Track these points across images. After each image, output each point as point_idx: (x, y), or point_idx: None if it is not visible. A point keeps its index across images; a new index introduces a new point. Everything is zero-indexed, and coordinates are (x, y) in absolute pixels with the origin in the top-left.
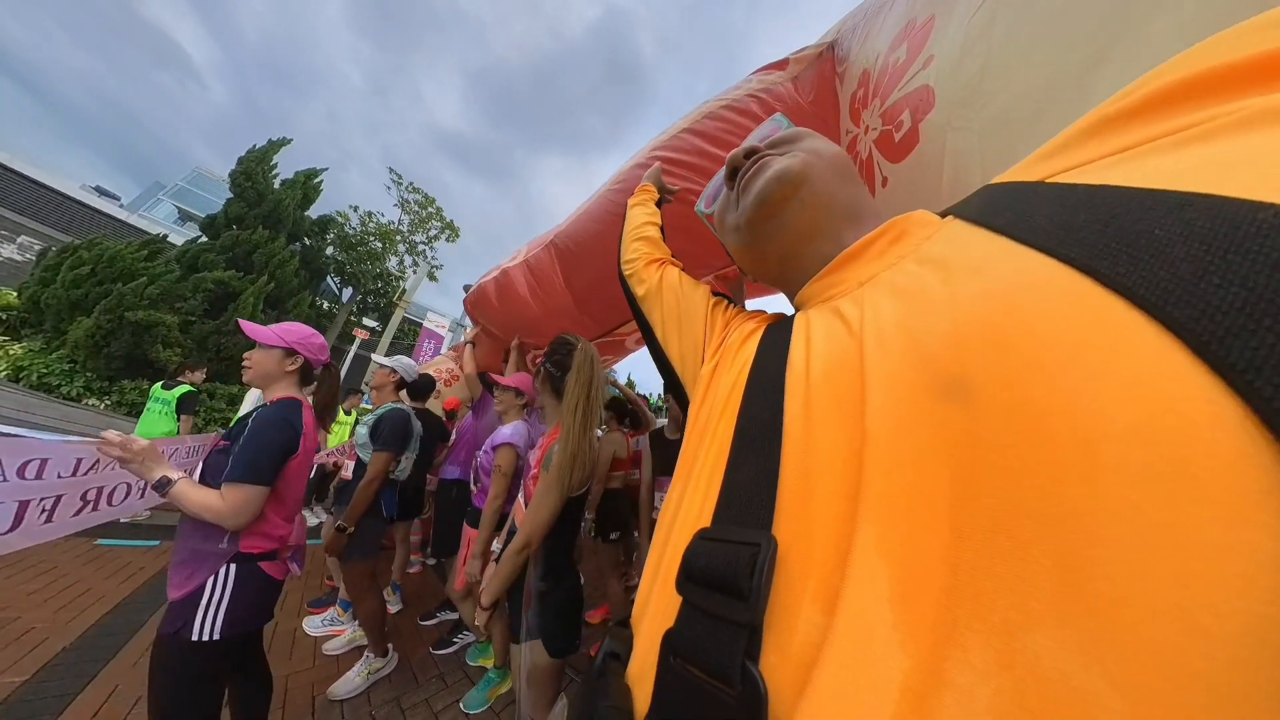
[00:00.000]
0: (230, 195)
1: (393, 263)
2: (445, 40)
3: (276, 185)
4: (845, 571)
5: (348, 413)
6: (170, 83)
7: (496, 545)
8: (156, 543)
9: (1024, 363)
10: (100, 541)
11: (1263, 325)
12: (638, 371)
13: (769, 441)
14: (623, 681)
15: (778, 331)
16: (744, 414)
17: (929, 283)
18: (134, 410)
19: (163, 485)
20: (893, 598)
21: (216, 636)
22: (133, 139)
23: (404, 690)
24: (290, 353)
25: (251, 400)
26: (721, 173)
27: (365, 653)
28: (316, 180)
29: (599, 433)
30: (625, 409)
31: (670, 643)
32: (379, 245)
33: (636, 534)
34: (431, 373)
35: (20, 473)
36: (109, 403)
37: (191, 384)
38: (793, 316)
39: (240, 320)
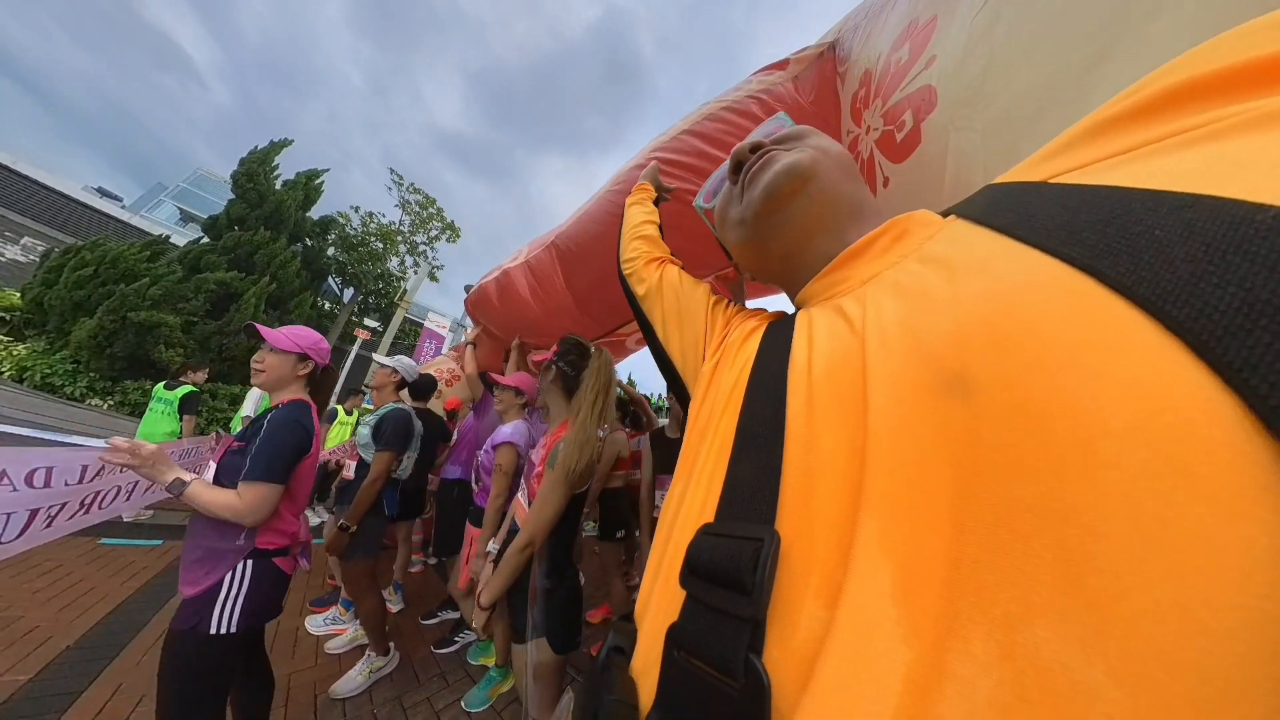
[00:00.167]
0: (232, 196)
1: (394, 263)
2: (445, 40)
3: (278, 186)
4: (848, 566)
5: (349, 413)
6: (171, 84)
7: (494, 545)
8: (159, 542)
9: (1025, 361)
10: (103, 541)
11: (1259, 325)
12: (638, 371)
13: (771, 438)
14: (627, 675)
15: (779, 329)
16: (746, 411)
17: (931, 282)
18: (137, 410)
19: (177, 487)
20: (895, 592)
21: (234, 629)
22: (134, 140)
23: (406, 689)
24: (303, 357)
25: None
26: (723, 167)
27: (367, 651)
28: (318, 181)
29: (601, 432)
30: (626, 408)
31: (674, 637)
32: (380, 246)
33: (637, 533)
34: (433, 373)
35: (29, 481)
36: (112, 403)
37: (194, 384)
38: (794, 315)
39: (258, 325)
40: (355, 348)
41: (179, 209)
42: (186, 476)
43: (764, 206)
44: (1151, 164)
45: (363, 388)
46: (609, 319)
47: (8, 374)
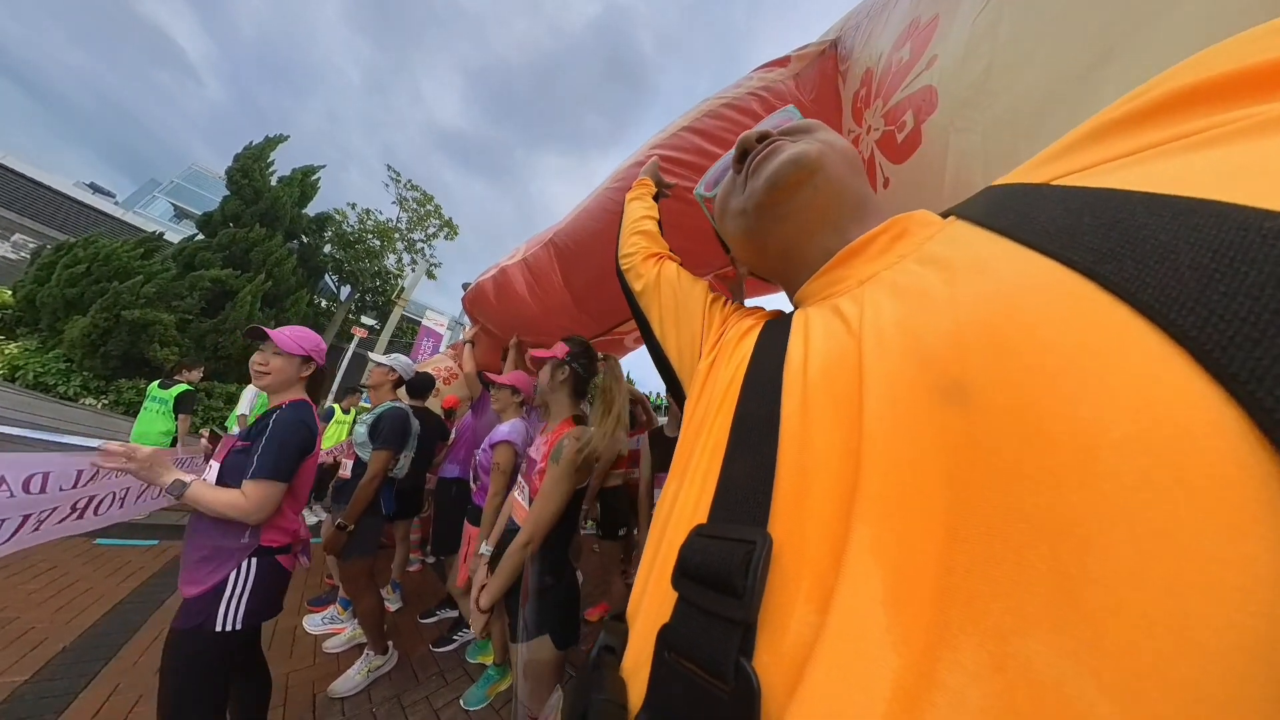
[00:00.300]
0: (227, 193)
1: (391, 261)
2: (445, 38)
3: (274, 182)
4: (839, 570)
5: (346, 411)
6: (166, 79)
7: (487, 548)
8: (155, 542)
9: (1024, 366)
10: (99, 541)
11: (1267, 335)
12: (637, 370)
13: (765, 438)
14: (617, 675)
15: (776, 328)
16: (740, 410)
17: (930, 283)
18: (131, 409)
19: (177, 488)
20: (886, 598)
21: (239, 627)
22: (127, 135)
23: (404, 688)
24: (307, 360)
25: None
26: (726, 157)
27: (365, 650)
28: (314, 177)
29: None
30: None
31: (665, 638)
32: (377, 243)
33: (636, 531)
34: (430, 371)
35: (25, 486)
36: (106, 402)
37: (189, 383)
38: (791, 314)
39: (264, 329)
40: (352, 346)
41: (173, 205)
42: (186, 477)
43: (767, 197)
44: (1155, 168)
45: (360, 387)
46: (607, 317)
47: (0, 373)
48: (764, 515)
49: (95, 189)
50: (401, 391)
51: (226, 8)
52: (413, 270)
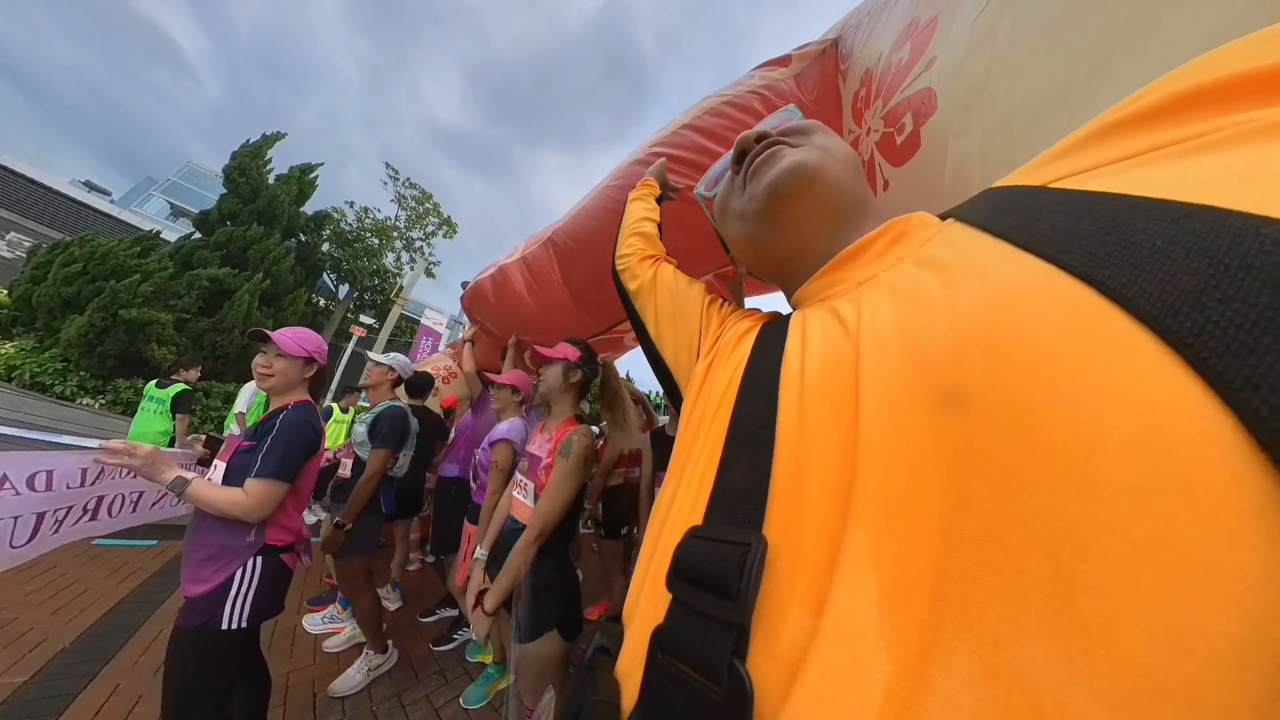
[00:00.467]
0: (224, 191)
1: (389, 259)
2: (444, 35)
3: (271, 180)
4: (834, 574)
5: (345, 410)
6: (162, 76)
7: (482, 552)
8: (154, 542)
9: (1022, 371)
10: (97, 542)
11: (1263, 343)
12: (637, 370)
13: (762, 441)
14: (611, 676)
15: (773, 330)
16: (737, 413)
17: (928, 285)
18: (129, 409)
19: (179, 485)
20: (880, 603)
21: (244, 625)
22: (123, 133)
23: (405, 686)
24: (309, 361)
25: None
26: (726, 156)
27: (365, 649)
28: (312, 175)
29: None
30: None
31: (659, 639)
32: (375, 241)
33: (636, 530)
34: (430, 370)
35: (30, 484)
36: (103, 402)
37: (186, 382)
38: (789, 316)
39: (267, 331)
40: (351, 345)
41: (169, 203)
42: (188, 475)
43: (767, 206)
44: (1155, 172)
45: (358, 387)
46: (606, 316)
47: None
48: (759, 518)
49: (91, 187)
50: (400, 390)
51: (224, 5)
52: (411, 269)
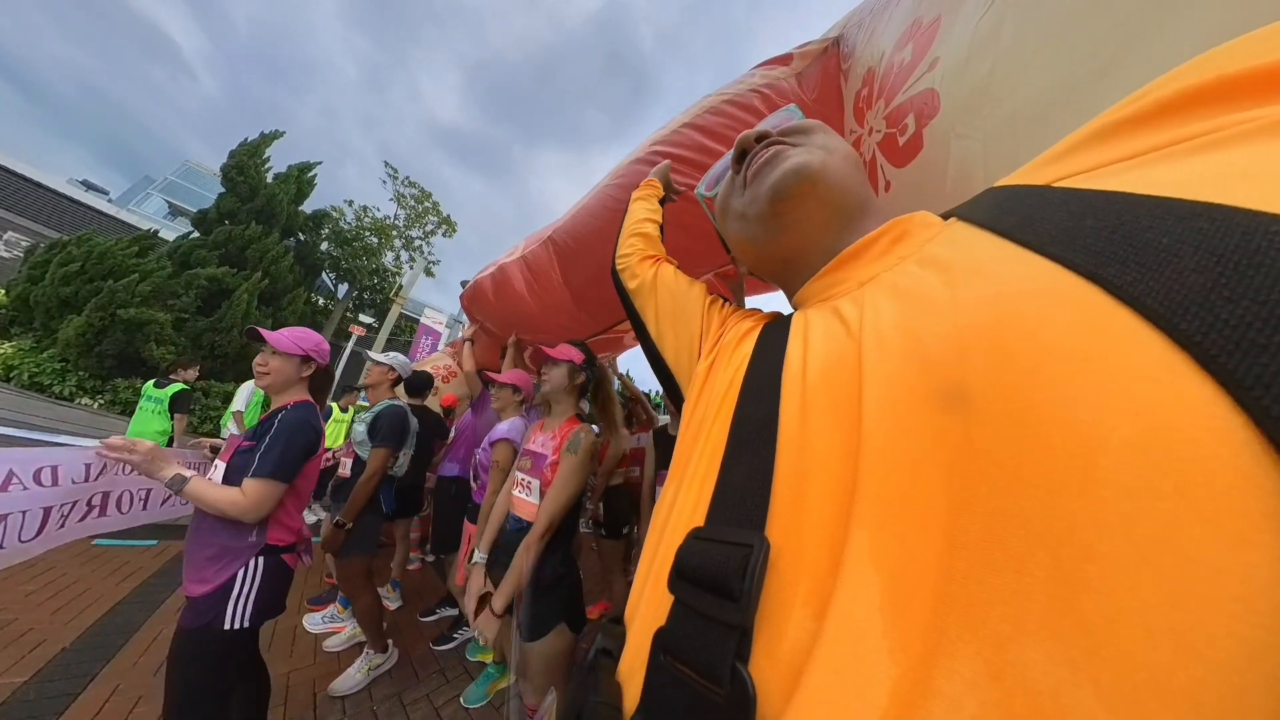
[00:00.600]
0: (222, 189)
1: (389, 258)
2: (443, 34)
3: (269, 179)
4: (837, 576)
5: (344, 410)
6: (159, 74)
7: (480, 555)
8: (154, 542)
9: (1025, 371)
10: (97, 542)
11: (1274, 341)
12: (635, 369)
13: (764, 442)
14: (613, 678)
15: (775, 331)
16: (739, 413)
17: (930, 285)
18: (127, 409)
19: (177, 483)
20: (883, 604)
21: (247, 624)
22: (120, 132)
23: (405, 686)
24: (306, 360)
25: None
26: (727, 156)
27: (365, 649)
28: (310, 174)
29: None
30: (625, 405)
31: (661, 641)
32: (375, 240)
33: (637, 530)
34: (429, 369)
35: (36, 478)
36: (102, 402)
37: (185, 382)
38: (790, 316)
39: (260, 330)
40: (350, 344)
41: (167, 202)
42: (186, 473)
43: (769, 208)
44: (1159, 171)
45: (357, 386)
46: (606, 316)
47: None
48: (761, 519)
49: (88, 186)
50: (400, 390)
51: (222, 3)
52: (411, 268)
